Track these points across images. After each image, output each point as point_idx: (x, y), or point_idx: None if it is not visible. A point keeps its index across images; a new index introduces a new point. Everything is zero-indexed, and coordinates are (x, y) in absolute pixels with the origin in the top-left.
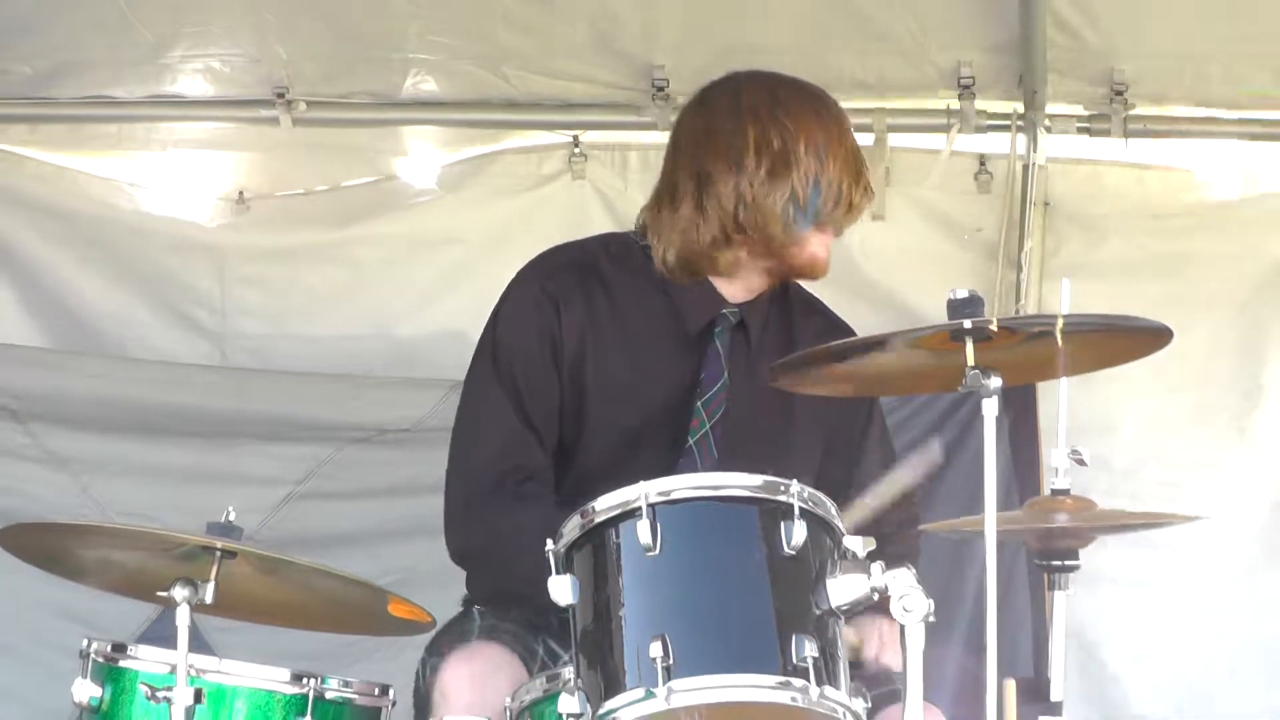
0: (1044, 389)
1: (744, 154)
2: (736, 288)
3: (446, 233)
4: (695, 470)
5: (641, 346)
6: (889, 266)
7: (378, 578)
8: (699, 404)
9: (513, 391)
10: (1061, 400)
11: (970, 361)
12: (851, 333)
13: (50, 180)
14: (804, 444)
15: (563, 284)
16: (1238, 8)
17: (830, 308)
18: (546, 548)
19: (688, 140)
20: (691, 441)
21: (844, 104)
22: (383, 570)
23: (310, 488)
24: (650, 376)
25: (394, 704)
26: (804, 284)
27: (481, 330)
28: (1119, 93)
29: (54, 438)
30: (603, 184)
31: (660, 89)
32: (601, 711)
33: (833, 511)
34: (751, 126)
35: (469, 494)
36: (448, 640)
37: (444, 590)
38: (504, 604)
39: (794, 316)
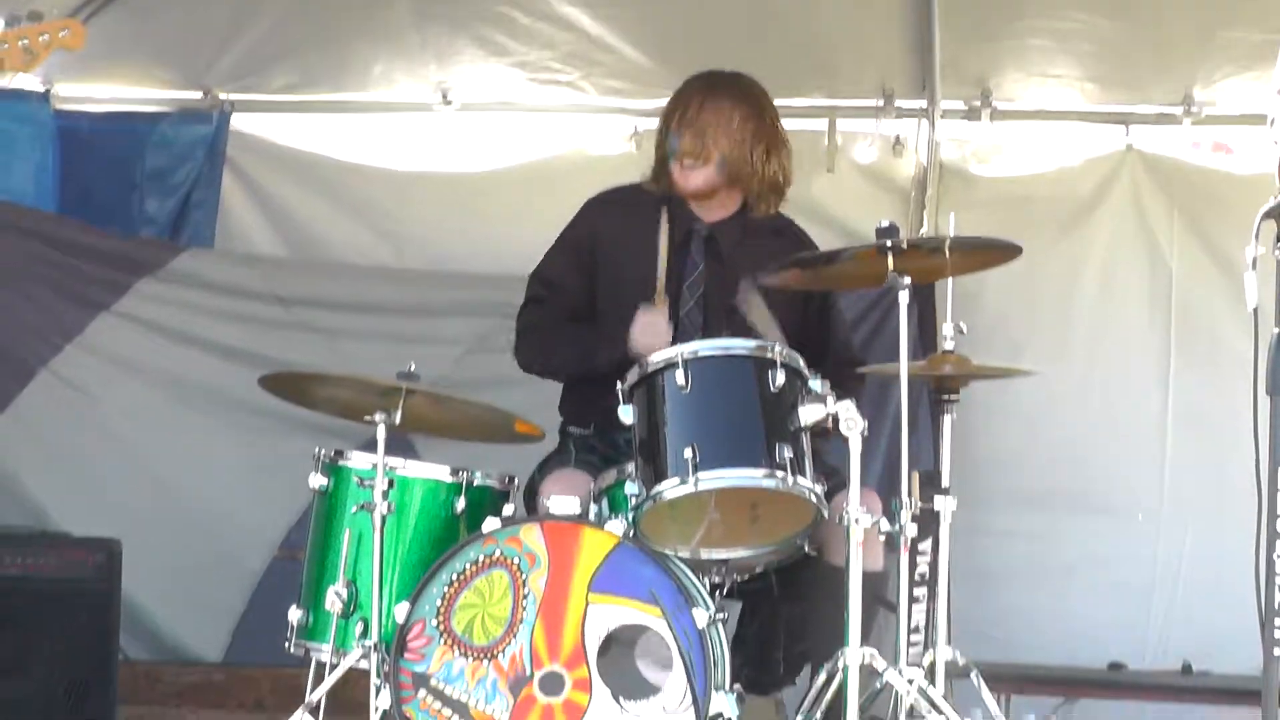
0: (939, 284)
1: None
2: (705, 210)
3: (547, 186)
4: (689, 332)
5: (648, 250)
6: (838, 205)
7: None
8: (685, 286)
9: (550, 279)
10: (949, 292)
11: (890, 268)
12: (810, 242)
13: (293, 153)
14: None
15: (609, 208)
16: (1061, 50)
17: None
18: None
19: None
20: (683, 313)
21: (809, 105)
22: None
23: (476, 348)
24: (652, 269)
25: (518, 488)
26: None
27: None
28: (986, 96)
29: (307, 315)
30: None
31: None
32: (652, 492)
33: (802, 364)
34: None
35: (520, 335)
36: (551, 464)
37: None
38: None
39: (766, 234)
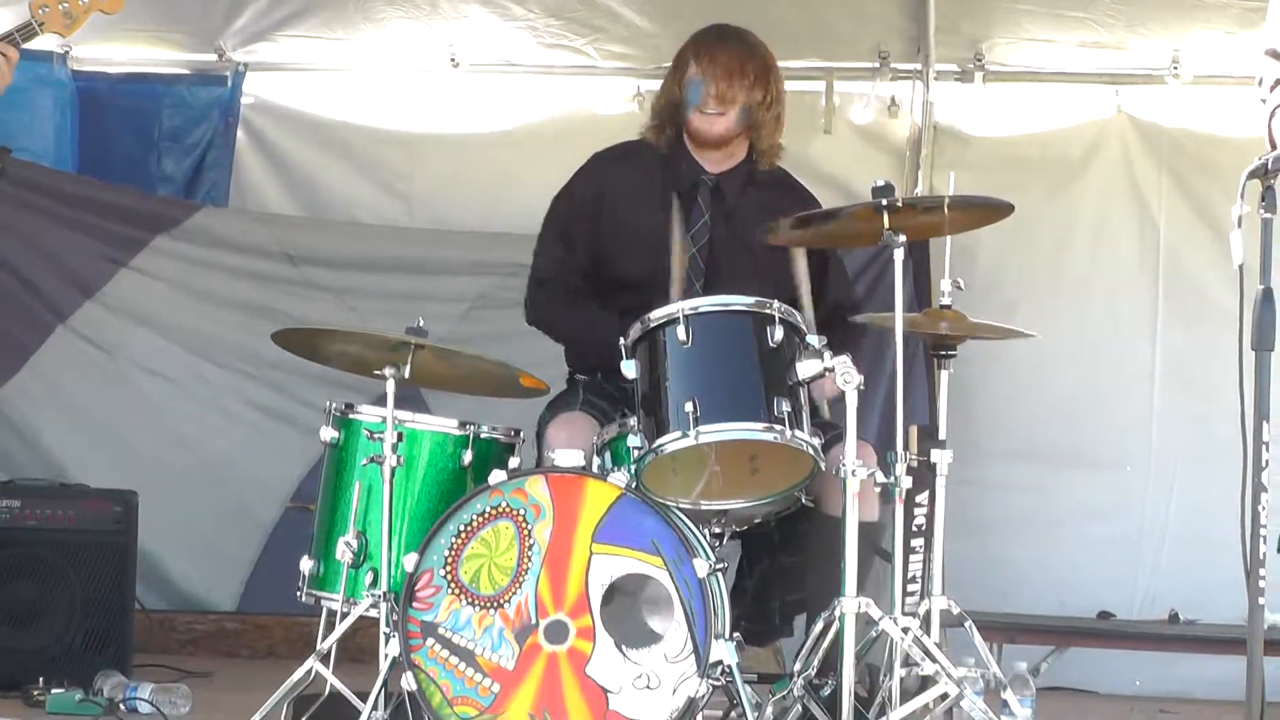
0: (934, 241)
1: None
2: (711, 161)
3: (551, 145)
4: (693, 282)
5: (654, 201)
6: (835, 165)
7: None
8: (689, 235)
9: (561, 231)
10: (947, 248)
11: (886, 226)
12: (812, 197)
13: (305, 114)
14: (762, 269)
15: (615, 163)
16: (1051, 15)
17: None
18: (596, 335)
19: None
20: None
21: (806, 67)
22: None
23: (481, 304)
24: (657, 220)
25: (523, 441)
26: (784, 165)
27: None
28: (979, 59)
29: (316, 273)
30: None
31: None
32: (654, 445)
33: (799, 320)
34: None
35: (534, 288)
36: (558, 405)
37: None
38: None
39: (767, 186)
